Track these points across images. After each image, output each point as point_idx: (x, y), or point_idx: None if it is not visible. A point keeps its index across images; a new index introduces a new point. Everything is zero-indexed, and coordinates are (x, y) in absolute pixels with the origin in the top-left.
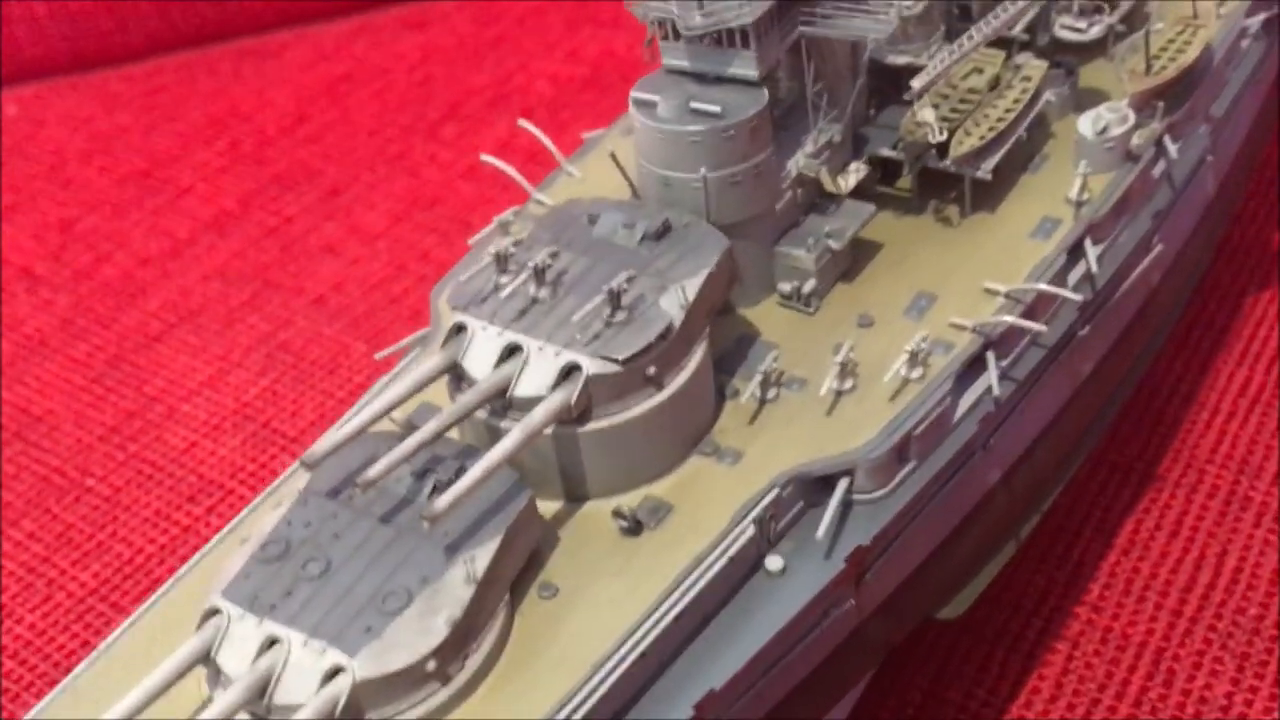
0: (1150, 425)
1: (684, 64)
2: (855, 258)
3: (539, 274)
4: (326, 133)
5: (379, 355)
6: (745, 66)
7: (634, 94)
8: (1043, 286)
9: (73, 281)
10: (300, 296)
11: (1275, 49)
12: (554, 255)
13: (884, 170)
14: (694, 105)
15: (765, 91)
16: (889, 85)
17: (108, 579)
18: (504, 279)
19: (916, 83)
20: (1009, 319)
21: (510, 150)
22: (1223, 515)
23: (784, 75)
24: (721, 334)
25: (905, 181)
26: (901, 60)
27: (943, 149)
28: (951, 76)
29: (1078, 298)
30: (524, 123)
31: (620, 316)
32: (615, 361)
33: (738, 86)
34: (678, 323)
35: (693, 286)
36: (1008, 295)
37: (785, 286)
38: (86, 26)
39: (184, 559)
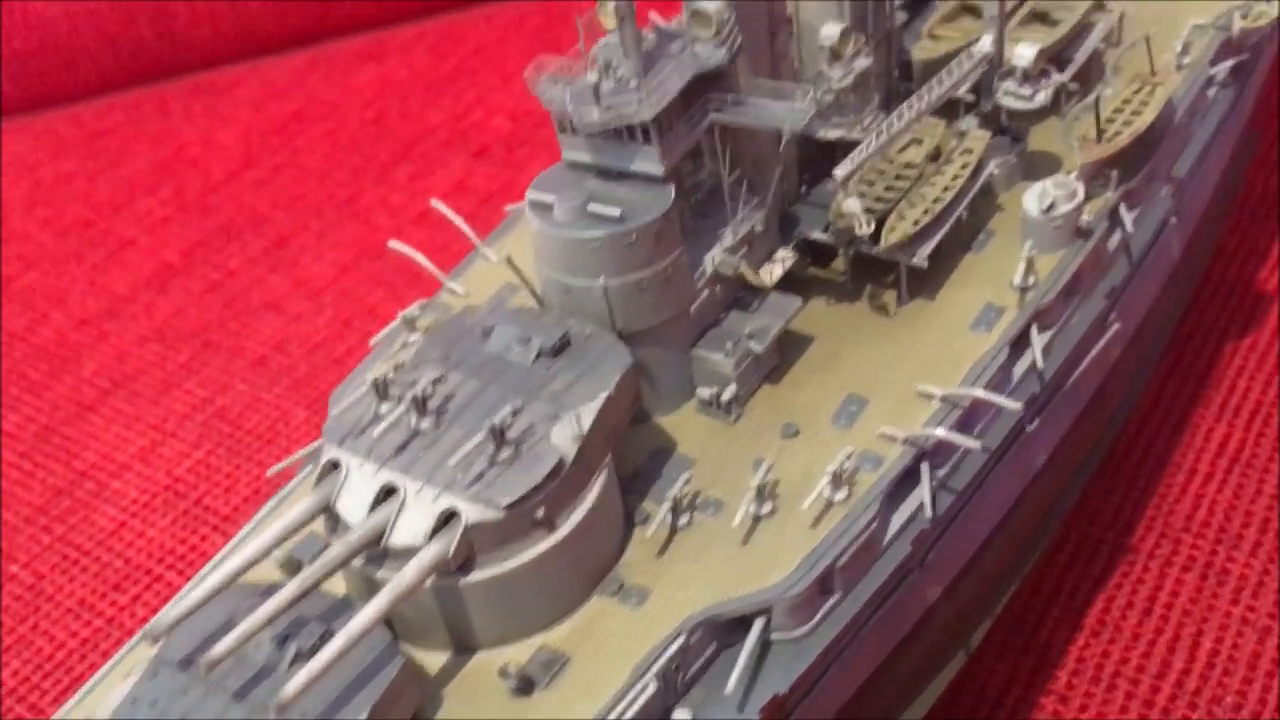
0: (1122, 491)
1: (585, 159)
2: (783, 354)
3: (420, 404)
4: (275, 176)
5: (271, 472)
6: (648, 163)
7: (530, 194)
8: (978, 392)
9: (7, 346)
10: (240, 358)
11: (1246, 93)
12: (437, 381)
13: (818, 251)
14: (592, 208)
15: (672, 188)
16: (823, 158)
17: (27, 677)
18: (384, 407)
19: (839, 171)
20: (940, 433)
21: (464, 192)
22: (1199, 590)
23: (706, 156)
24: (634, 448)
25: (841, 263)
26: (834, 134)
27: (876, 234)
28: (891, 146)
29: (1016, 406)
30: (436, 203)
31: (505, 454)
32: (498, 507)
33: (643, 182)
34: (570, 457)
35: (589, 413)
36: (944, 400)
37: (705, 392)
38: (34, 66)
39: (106, 655)
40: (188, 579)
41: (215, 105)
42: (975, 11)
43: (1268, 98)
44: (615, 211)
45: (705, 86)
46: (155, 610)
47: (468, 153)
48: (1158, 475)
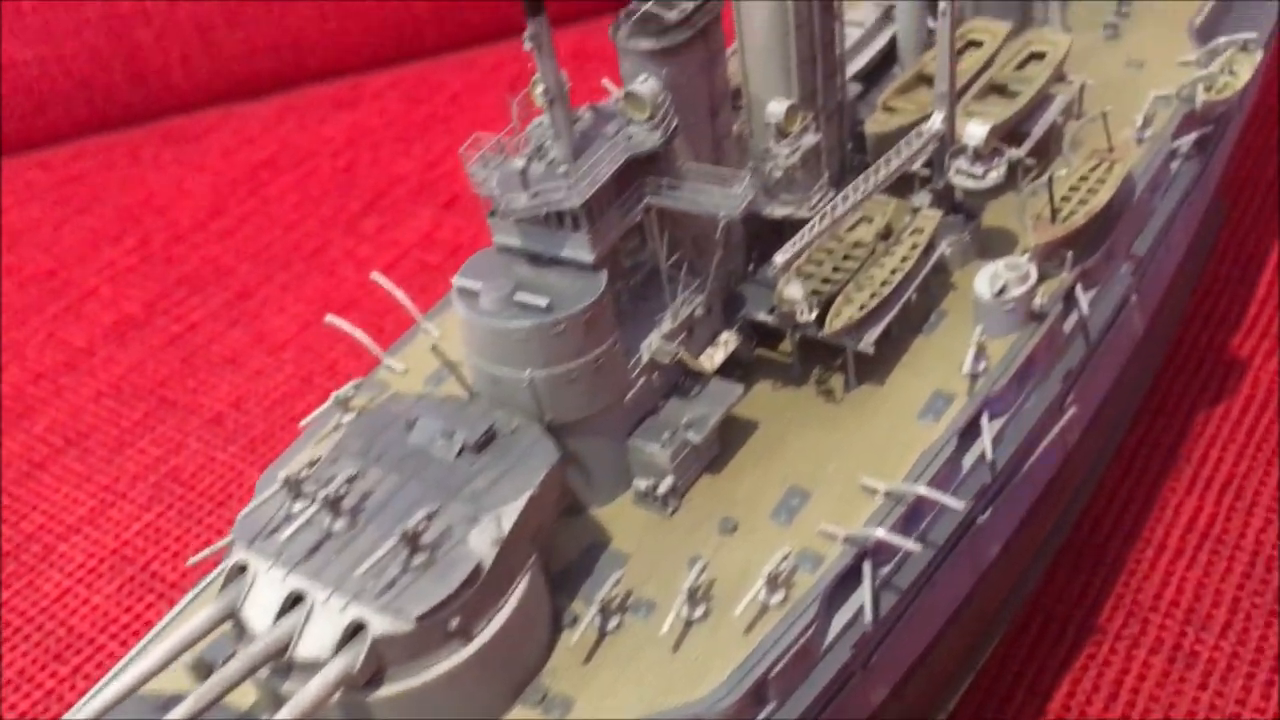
0: (1090, 567)
1: (515, 243)
2: (725, 442)
3: (334, 503)
4: (242, 226)
5: (191, 561)
6: (579, 250)
7: (456, 280)
8: (921, 490)
9: None
10: (196, 415)
11: (1212, 163)
12: (353, 479)
13: (766, 331)
14: (519, 297)
15: (603, 276)
16: (772, 235)
17: None
18: (297, 505)
19: (779, 257)
20: (880, 534)
21: (432, 244)
22: (1166, 675)
23: (648, 235)
24: (566, 542)
25: (789, 344)
26: (781, 213)
27: (823, 317)
28: (840, 223)
29: (959, 505)
30: (377, 276)
31: (419, 559)
32: (408, 618)
33: (575, 269)
34: (489, 561)
35: (510, 515)
36: (887, 495)
37: (641, 484)
38: (4, 111)
39: None
40: (129, 648)
41: (186, 152)
42: (932, 82)
43: (1238, 163)
44: (542, 301)
45: (640, 170)
46: (96, 682)
47: (437, 203)
48: (1126, 550)
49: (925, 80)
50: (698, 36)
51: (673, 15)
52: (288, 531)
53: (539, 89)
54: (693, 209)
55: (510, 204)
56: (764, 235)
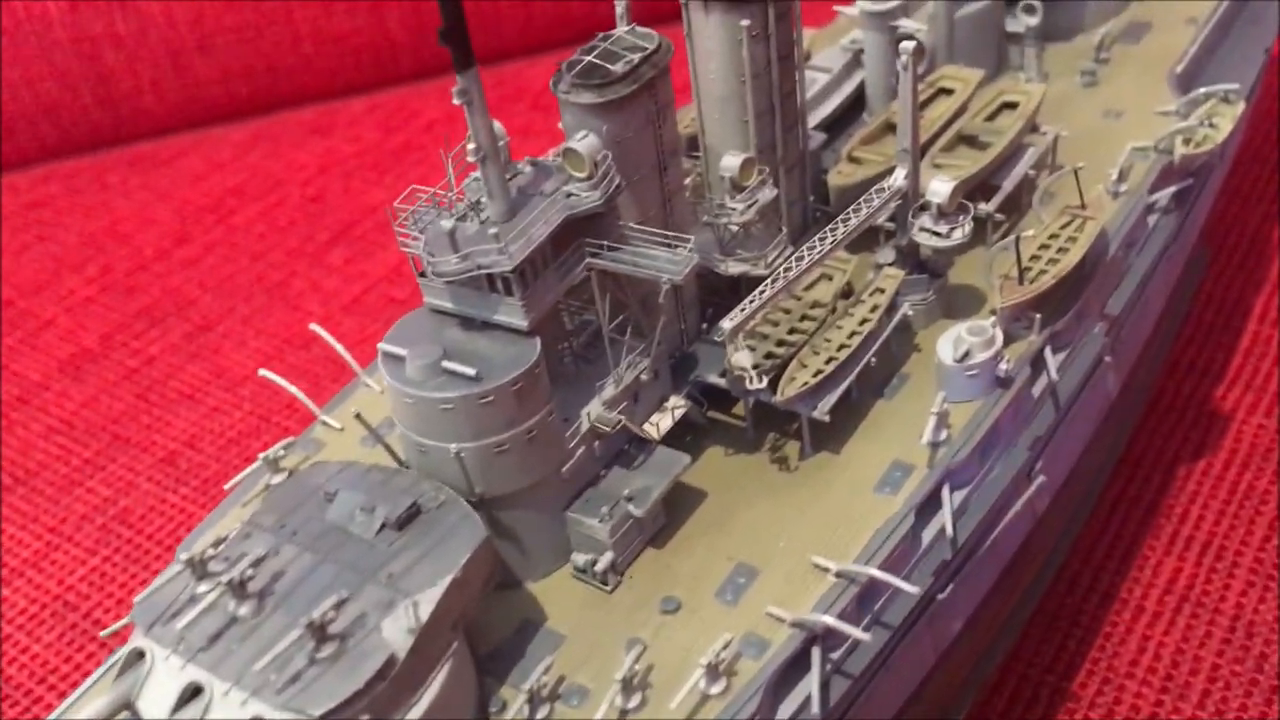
0: (1064, 629)
1: (446, 305)
2: (672, 513)
3: (240, 587)
4: (206, 256)
5: (104, 634)
6: (512, 315)
7: (382, 344)
8: (874, 572)
9: None
10: (149, 454)
11: (1193, 214)
12: (260, 561)
13: (720, 392)
14: (446, 365)
15: (537, 343)
16: (729, 290)
17: None
18: (202, 587)
19: (726, 324)
20: (828, 620)
21: (400, 278)
22: None
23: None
24: (498, 620)
25: (743, 407)
26: (737, 270)
27: (775, 382)
28: (793, 286)
29: (914, 590)
30: (315, 327)
31: (327, 651)
32: (310, 717)
33: (509, 334)
34: (403, 653)
35: (429, 601)
36: (839, 575)
37: (579, 559)
38: None
39: None
40: (65, 697)
41: (155, 177)
42: None
43: (1222, 210)
44: (470, 370)
45: (580, 230)
46: None
47: None
48: (1103, 611)
49: (893, 129)
50: (643, 90)
51: (618, 67)
52: (188, 617)
53: (470, 146)
54: (635, 272)
55: (439, 266)
56: (720, 291)
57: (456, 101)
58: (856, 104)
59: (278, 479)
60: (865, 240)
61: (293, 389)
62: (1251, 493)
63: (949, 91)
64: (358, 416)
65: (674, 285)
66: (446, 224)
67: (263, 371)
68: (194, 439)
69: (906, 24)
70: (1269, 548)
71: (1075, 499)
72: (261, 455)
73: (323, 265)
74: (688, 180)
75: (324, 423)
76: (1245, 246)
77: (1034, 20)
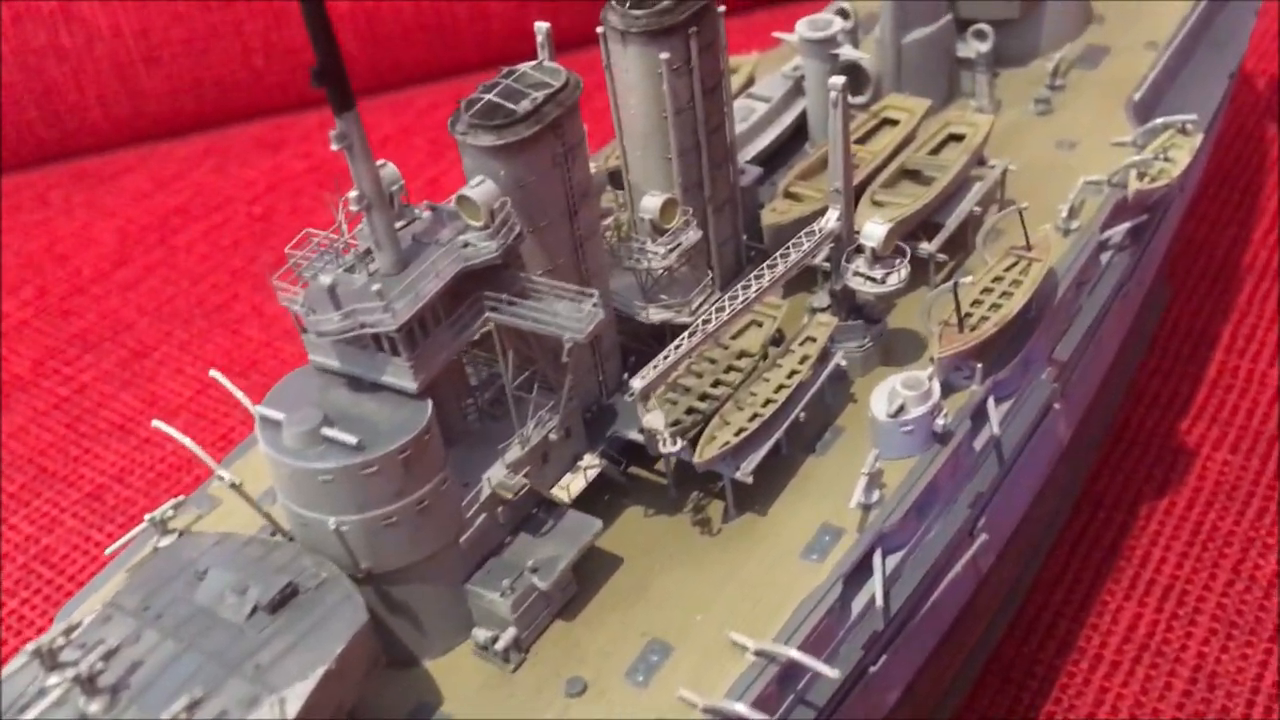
0: (1019, 679)
1: (332, 364)
2: (584, 580)
3: (90, 682)
4: (146, 277)
5: None
6: (400, 377)
7: (259, 409)
8: (793, 654)
9: None
10: (75, 489)
11: (1152, 248)
12: (113, 653)
13: (637, 449)
14: (326, 432)
15: (428, 406)
16: (653, 337)
17: None
18: (53, 679)
19: (635, 384)
20: (740, 710)
21: None
22: None
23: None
24: (392, 701)
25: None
26: (659, 318)
27: (698, 439)
28: (718, 335)
29: (834, 674)
30: (215, 374)
31: None
32: None
33: (399, 395)
34: None
35: (297, 696)
36: (758, 654)
37: (480, 635)
38: None
39: None
40: None
41: (98, 195)
42: None
43: (1186, 238)
44: (352, 439)
45: (479, 281)
46: None
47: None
48: (1060, 660)
49: None
50: (548, 130)
51: (523, 105)
52: (33, 714)
53: (353, 194)
54: (535, 328)
55: (319, 325)
56: (644, 337)
57: (335, 147)
58: (799, 133)
59: (167, 541)
60: (804, 280)
61: (187, 441)
62: (1215, 534)
63: (894, 122)
64: (235, 486)
65: (576, 344)
66: (326, 279)
67: (156, 423)
68: (123, 473)
69: (847, 52)
70: (1231, 593)
71: (1026, 550)
72: (148, 516)
73: (266, 288)
74: (609, 220)
75: (220, 478)
76: (1213, 273)
77: (985, 46)
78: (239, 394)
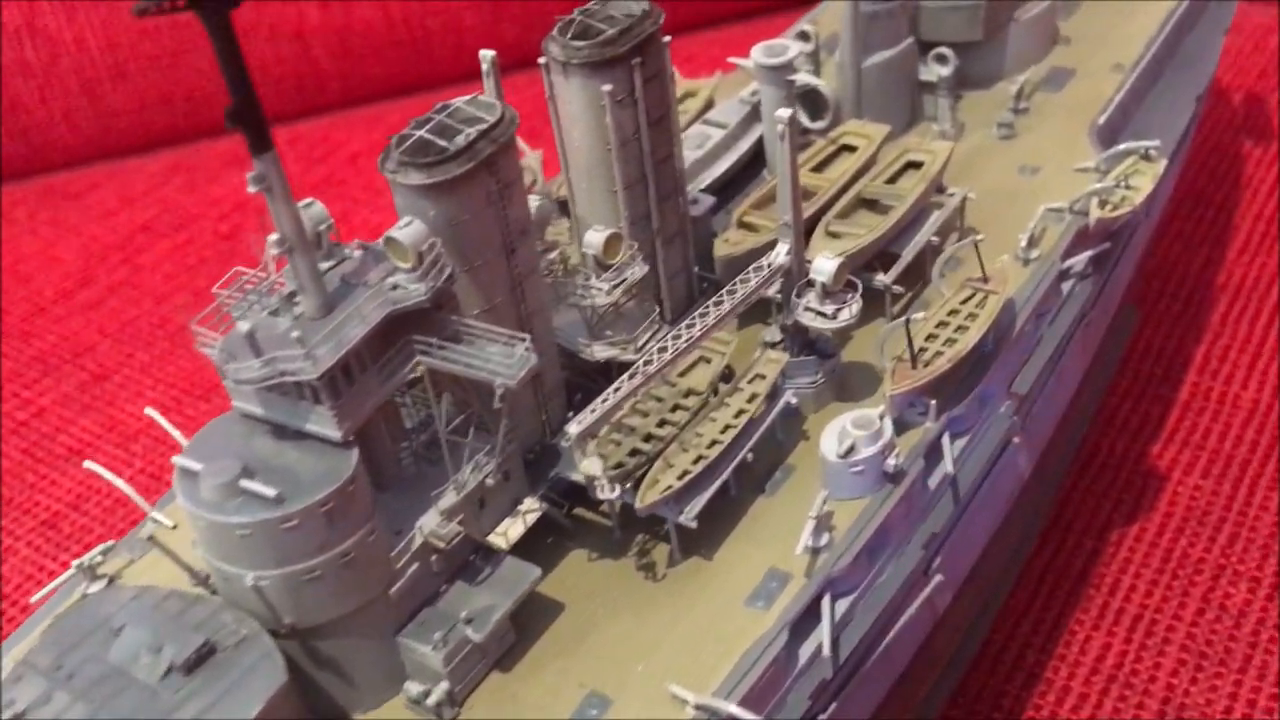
0: (985, 712)
1: (256, 411)
2: (523, 629)
3: None
4: (109, 298)
5: None
6: (324, 425)
7: (178, 459)
8: (733, 709)
9: None
10: (30, 516)
11: (1116, 275)
12: (20, 718)
13: (582, 489)
14: (244, 484)
15: (353, 455)
16: (599, 373)
17: None
18: None
19: (571, 429)
20: None
21: None
22: None
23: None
24: None
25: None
26: (604, 355)
27: (638, 483)
28: (668, 371)
29: None
30: (150, 411)
31: None
32: None
33: (324, 444)
34: None
35: None
36: (698, 708)
37: (413, 688)
38: None
39: None
40: None
41: (63, 212)
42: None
43: (1159, 257)
44: (270, 491)
45: (409, 324)
46: None
47: None
48: (1026, 694)
49: None
50: (482, 168)
51: (458, 141)
52: None
53: (273, 237)
54: (467, 373)
55: (238, 374)
56: (590, 374)
57: (253, 189)
58: (757, 159)
59: (97, 587)
60: (759, 311)
61: (119, 482)
62: (1186, 560)
63: (852, 148)
64: (151, 539)
65: (509, 389)
66: (244, 325)
67: (88, 464)
68: (80, 500)
69: (803, 77)
70: (1201, 622)
71: (988, 585)
72: (76, 562)
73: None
74: (554, 254)
75: (155, 520)
76: (1186, 293)
77: (946, 70)
78: (175, 433)
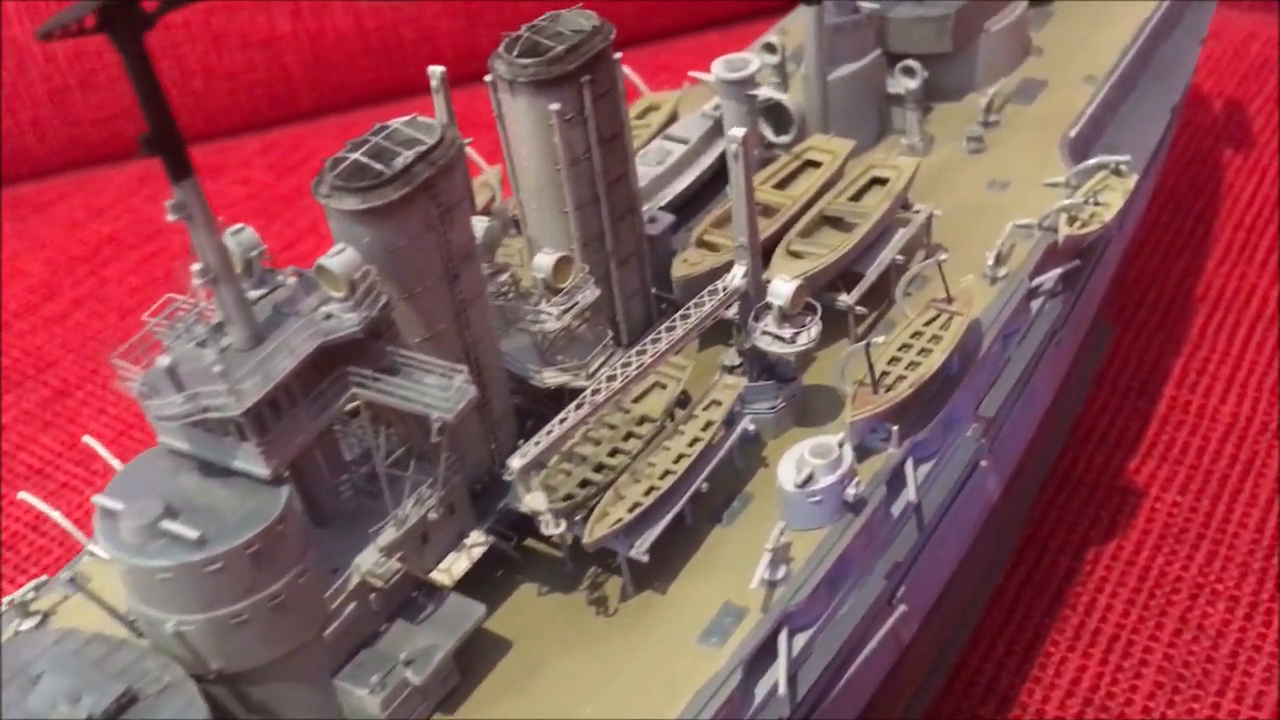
0: None
1: (183, 446)
2: (468, 668)
3: None
4: (74, 311)
5: None
6: (251, 463)
7: (99, 498)
8: None
9: None
10: None
11: (1089, 290)
12: None
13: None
14: (166, 525)
15: (283, 494)
16: (550, 401)
17: None
18: None
19: (515, 461)
20: None
21: None
22: None
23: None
24: None
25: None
26: (555, 380)
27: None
28: (622, 397)
29: None
30: (89, 439)
31: None
32: None
33: (252, 481)
34: None
35: None
36: None
37: None
38: None
39: None
40: None
41: (30, 224)
42: (763, 210)
43: (1141, 267)
44: (192, 534)
45: (344, 355)
46: None
47: None
48: (1000, 717)
49: None
50: (420, 192)
51: (395, 164)
52: None
53: (196, 267)
54: (402, 406)
55: (160, 410)
56: (541, 399)
57: (171, 218)
58: (720, 175)
59: (30, 624)
60: (721, 332)
61: (55, 515)
62: (1164, 579)
63: (816, 164)
64: (73, 580)
65: (446, 423)
66: (165, 360)
67: (23, 495)
68: (38, 520)
69: (766, 92)
70: (1179, 643)
71: (956, 612)
72: (7, 599)
73: None
74: (505, 276)
75: (91, 553)
76: (1164, 304)
77: (914, 84)
78: (115, 462)
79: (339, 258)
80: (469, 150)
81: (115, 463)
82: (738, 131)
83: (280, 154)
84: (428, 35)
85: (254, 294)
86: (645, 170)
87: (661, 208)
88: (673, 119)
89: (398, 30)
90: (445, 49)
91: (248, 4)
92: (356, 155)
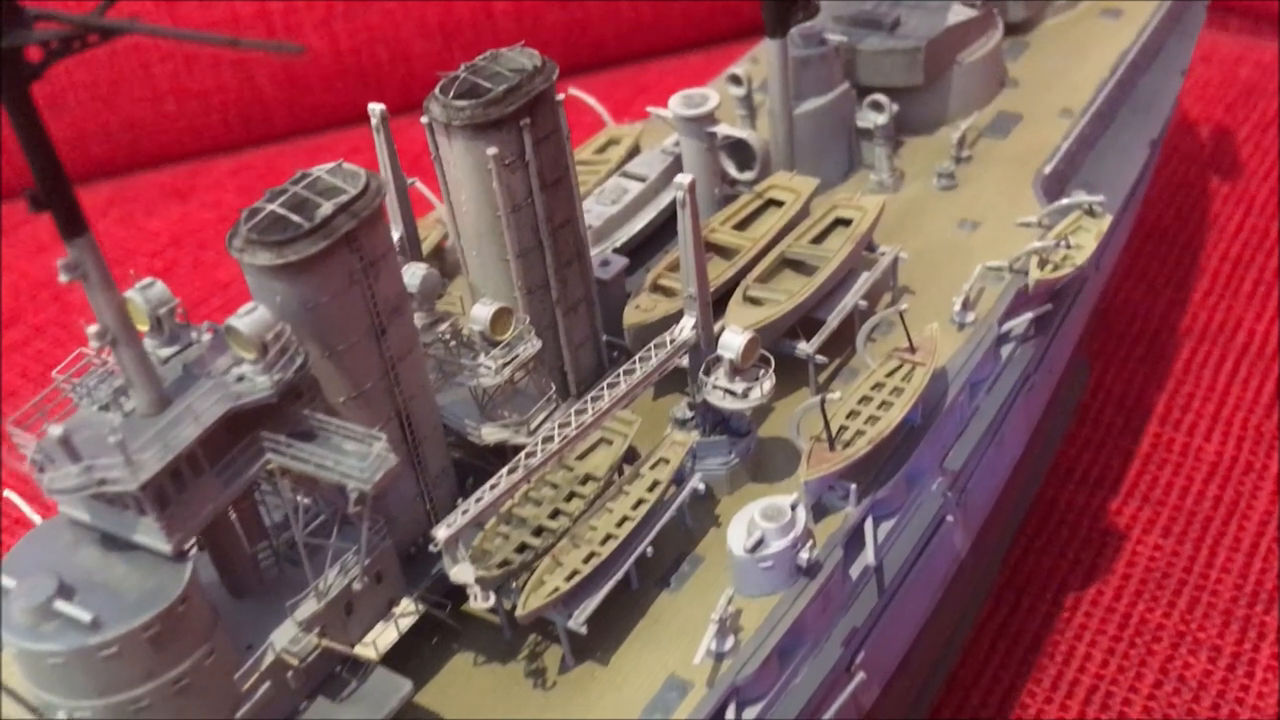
0: None
1: (82, 517)
2: None
3: None
4: (34, 339)
5: None
6: (151, 537)
7: None
8: None
9: None
10: None
11: (1062, 333)
12: None
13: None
14: (58, 606)
15: (186, 570)
16: (493, 455)
17: None
18: None
19: (440, 532)
20: None
21: None
22: None
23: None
24: None
25: None
26: (494, 439)
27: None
28: (566, 454)
29: None
30: (9, 494)
31: None
32: None
33: (156, 556)
34: None
35: None
36: None
37: None
38: None
39: None
40: None
41: None
42: (721, 251)
43: (1125, 299)
44: (86, 616)
45: (258, 419)
46: None
47: None
48: None
49: (710, 248)
50: (341, 244)
51: (318, 215)
52: None
53: (92, 329)
54: (318, 474)
55: (54, 482)
56: (482, 454)
57: (65, 279)
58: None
59: None
60: (678, 380)
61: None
62: (1144, 627)
63: (779, 204)
64: None
65: (364, 494)
66: (57, 430)
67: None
68: None
69: (725, 128)
70: (1159, 695)
71: (921, 673)
72: None
73: None
74: (445, 326)
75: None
76: (1147, 338)
77: (882, 119)
78: (34, 516)
79: (249, 318)
80: (420, 187)
81: (36, 517)
82: (684, 178)
83: (252, 176)
84: (402, 57)
85: (165, 352)
86: (600, 209)
87: (617, 249)
88: (634, 153)
89: (373, 51)
90: (420, 70)
91: (220, 27)
92: (273, 206)
